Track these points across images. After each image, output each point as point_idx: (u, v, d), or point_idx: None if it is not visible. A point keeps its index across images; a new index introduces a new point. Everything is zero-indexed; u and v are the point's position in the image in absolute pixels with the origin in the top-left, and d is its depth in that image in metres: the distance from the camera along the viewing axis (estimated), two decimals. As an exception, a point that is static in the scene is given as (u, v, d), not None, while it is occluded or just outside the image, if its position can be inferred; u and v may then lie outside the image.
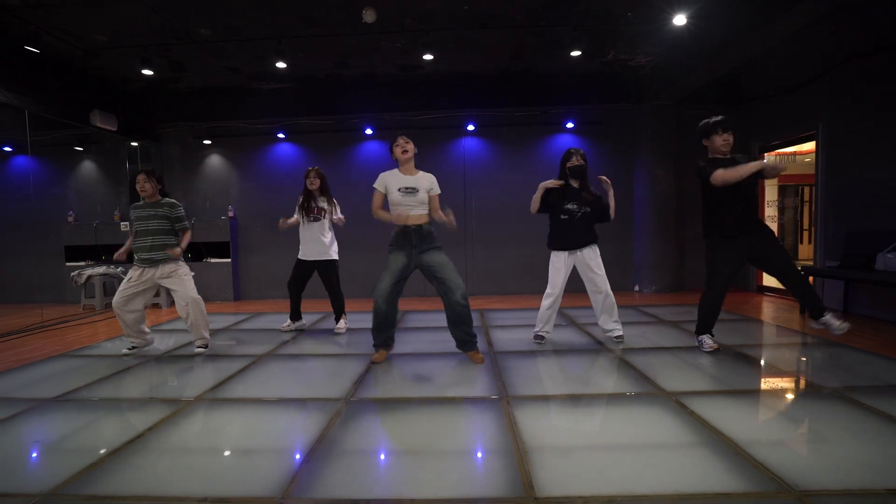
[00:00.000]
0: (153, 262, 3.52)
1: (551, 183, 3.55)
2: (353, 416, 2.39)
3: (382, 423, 2.34)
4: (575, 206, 3.51)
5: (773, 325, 4.40)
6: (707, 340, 3.42)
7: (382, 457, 2.01)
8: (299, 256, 4.31)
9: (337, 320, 4.40)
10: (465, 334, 3.21)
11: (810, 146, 6.17)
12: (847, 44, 4.76)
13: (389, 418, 2.40)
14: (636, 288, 6.75)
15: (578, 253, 3.56)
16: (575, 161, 3.50)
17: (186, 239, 3.68)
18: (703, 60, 5.28)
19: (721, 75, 5.69)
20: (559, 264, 3.59)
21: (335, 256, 4.30)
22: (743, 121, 6.48)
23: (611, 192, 3.55)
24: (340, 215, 4.30)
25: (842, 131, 4.95)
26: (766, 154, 6.40)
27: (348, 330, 4.43)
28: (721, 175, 2.99)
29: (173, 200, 3.64)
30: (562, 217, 3.54)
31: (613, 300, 3.63)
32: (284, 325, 4.53)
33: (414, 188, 3.15)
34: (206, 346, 3.70)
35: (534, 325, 4.01)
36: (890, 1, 4.18)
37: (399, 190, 3.17)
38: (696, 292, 6.53)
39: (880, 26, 4.41)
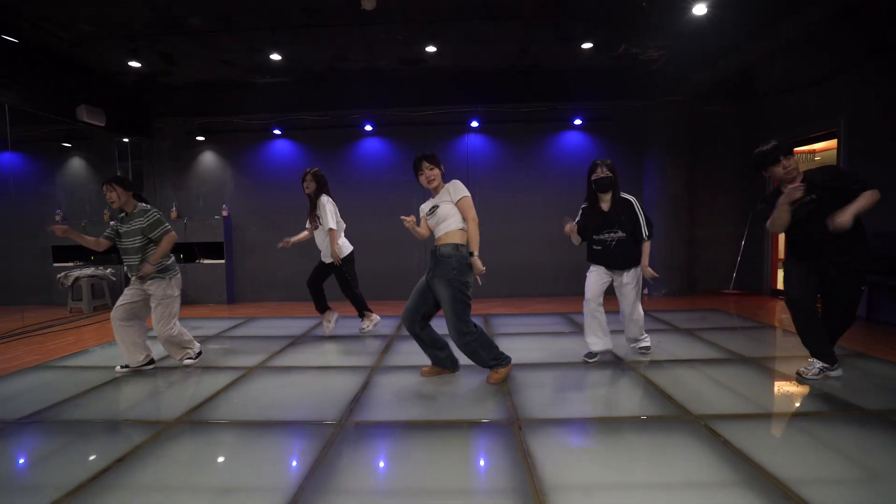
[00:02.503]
0: (143, 279, 3.23)
1: (570, 228, 3.20)
2: (347, 444, 2.14)
3: (379, 454, 2.10)
4: (607, 236, 3.16)
5: (793, 332, 4.14)
6: (815, 365, 2.84)
7: (379, 497, 1.77)
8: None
9: (362, 318, 4.28)
10: (479, 363, 2.94)
11: (823, 144, 5.92)
12: (873, 36, 4.49)
13: (387, 448, 2.15)
14: (646, 291, 6.50)
15: (618, 273, 3.24)
16: (600, 173, 3.11)
17: (162, 246, 3.18)
18: (720, 54, 5.02)
19: (737, 70, 5.42)
20: (592, 272, 3.28)
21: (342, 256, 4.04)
22: (758, 117, 6.23)
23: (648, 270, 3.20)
24: (329, 224, 3.91)
25: (865, 128, 4.69)
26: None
27: (349, 337, 4.22)
28: (769, 227, 2.75)
29: (146, 206, 3.24)
30: (594, 247, 3.23)
31: (638, 319, 3.34)
32: (327, 327, 4.31)
33: (435, 206, 2.84)
34: (194, 357, 3.43)
35: (542, 334, 3.80)
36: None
37: (426, 216, 2.92)
38: (707, 295, 6.30)
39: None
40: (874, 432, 2.17)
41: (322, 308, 4.27)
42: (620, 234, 3.14)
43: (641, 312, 3.35)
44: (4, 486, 1.89)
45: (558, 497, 1.69)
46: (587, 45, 5.20)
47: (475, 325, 2.83)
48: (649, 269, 3.20)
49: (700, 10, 4.07)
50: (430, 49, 5.28)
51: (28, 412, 2.60)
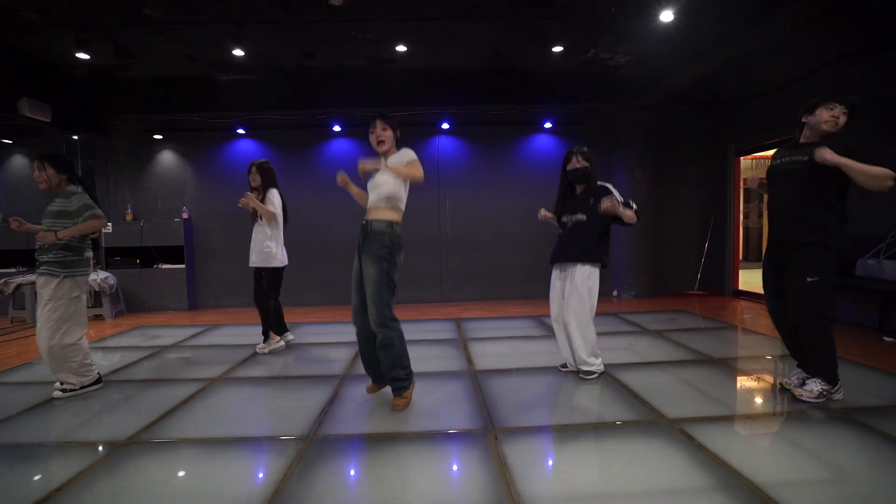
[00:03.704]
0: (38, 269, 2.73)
1: (544, 214, 3.13)
2: (315, 461, 2.02)
3: (349, 471, 1.99)
4: (567, 219, 2.98)
5: (756, 333, 4.29)
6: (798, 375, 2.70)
7: (351, 518, 1.67)
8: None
9: (265, 339, 3.85)
10: (387, 363, 2.55)
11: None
12: (834, 44, 4.65)
13: (358, 464, 2.05)
14: (614, 293, 6.61)
15: (570, 269, 2.94)
16: (576, 163, 2.93)
17: (85, 225, 2.75)
18: (686, 61, 5.15)
19: (702, 76, 5.58)
20: (552, 282, 3.08)
21: (270, 265, 3.72)
22: (724, 123, 6.44)
23: (619, 210, 2.79)
24: (272, 209, 3.65)
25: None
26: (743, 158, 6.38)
27: (317, 344, 4.06)
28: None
29: (76, 188, 2.83)
30: (560, 231, 3.08)
31: (582, 335, 2.91)
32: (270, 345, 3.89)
33: (376, 169, 2.61)
34: (66, 392, 2.85)
35: (515, 338, 3.77)
36: (879, 4, 4.13)
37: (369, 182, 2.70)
38: (673, 296, 6.45)
39: (869, 28, 4.34)
40: (839, 431, 2.22)
41: (281, 327, 3.95)
42: (580, 216, 2.92)
43: (590, 332, 2.92)
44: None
45: (538, 511, 1.64)
46: (558, 49, 5.23)
47: (399, 323, 2.56)
48: (616, 197, 2.79)
49: (667, 16, 4.15)
50: (402, 48, 5.19)
51: (-45, 437, 2.35)
